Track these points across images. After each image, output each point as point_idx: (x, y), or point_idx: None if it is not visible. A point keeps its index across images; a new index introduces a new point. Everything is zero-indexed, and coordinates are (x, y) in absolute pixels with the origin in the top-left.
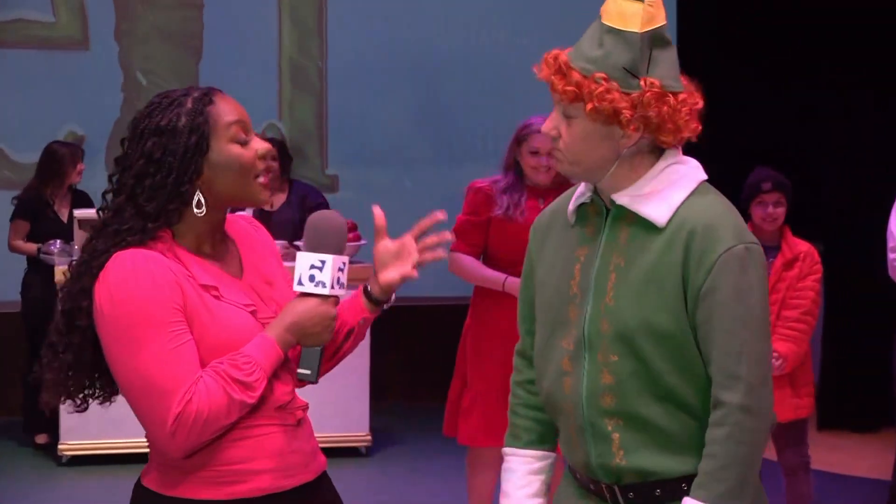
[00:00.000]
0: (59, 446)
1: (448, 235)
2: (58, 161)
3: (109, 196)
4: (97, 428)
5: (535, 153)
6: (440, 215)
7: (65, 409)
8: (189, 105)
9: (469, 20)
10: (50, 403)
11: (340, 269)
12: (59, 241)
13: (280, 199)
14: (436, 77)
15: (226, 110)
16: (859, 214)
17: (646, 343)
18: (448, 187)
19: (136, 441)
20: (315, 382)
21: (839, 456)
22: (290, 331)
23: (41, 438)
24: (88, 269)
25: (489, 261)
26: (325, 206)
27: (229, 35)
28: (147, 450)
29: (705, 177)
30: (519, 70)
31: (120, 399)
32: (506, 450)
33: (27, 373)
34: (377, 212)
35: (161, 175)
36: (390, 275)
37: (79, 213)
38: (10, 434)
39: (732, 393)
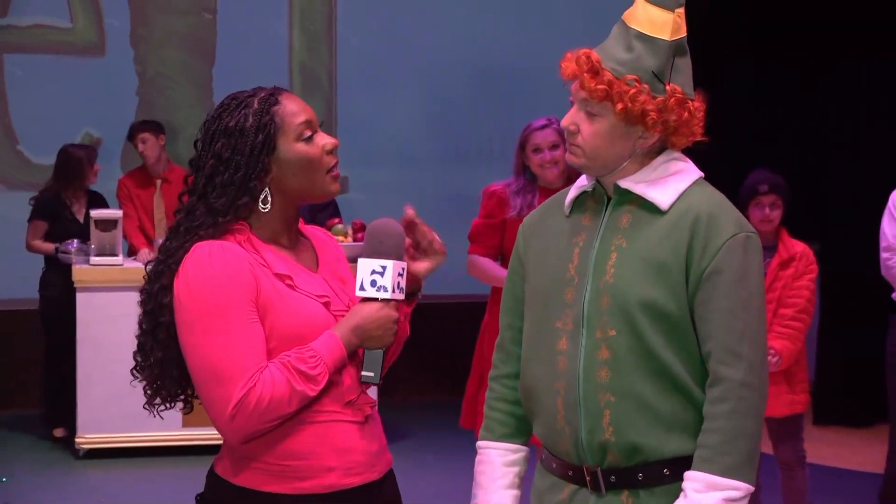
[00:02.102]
0: (77, 440)
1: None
2: (75, 163)
3: (185, 197)
4: (113, 422)
5: (537, 150)
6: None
7: (84, 403)
8: (255, 105)
9: (475, 25)
10: (152, 403)
11: (400, 275)
12: (76, 240)
13: None
14: (442, 80)
15: (291, 109)
16: (854, 215)
17: (644, 318)
18: (454, 188)
19: (151, 435)
20: (378, 385)
21: (834, 450)
22: (354, 332)
23: (59, 432)
24: (166, 267)
25: (505, 262)
26: (335, 206)
27: (242, 40)
28: (162, 444)
29: (702, 174)
30: (524, 73)
31: (135, 393)
32: (480, 443)
33: (45, 368)
34: (409, 211)
35: (230, 173)
36: (421, 265)
37: (95, 213)
38: (29, 427)
39: (735, 369)
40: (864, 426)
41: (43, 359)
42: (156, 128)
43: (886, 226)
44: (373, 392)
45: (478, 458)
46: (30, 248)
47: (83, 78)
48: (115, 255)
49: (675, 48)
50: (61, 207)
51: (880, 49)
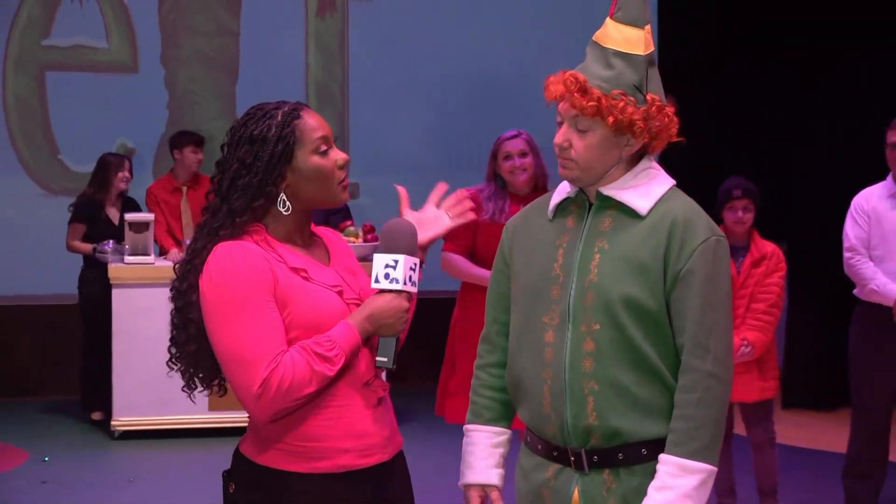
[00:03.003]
0: (112, 422)
1: (467, 202)
2: (105, 169)
3: (211, 196)
4: (146, 406)
5: (508, 158)
6: (443, 185)
7: (119, 389)
8: (279, 118)
9: (474, 44)
10: (190, 389)
11: (412, 269)
12: (111, 241)
13: None
14: (444, 95)
15: (311, 125)
16: (820, 218)
17: (625, 313)
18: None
19: (180, 417)
20: (392, 369)
21: (801, 432)
22: (368, 320)
23: (96, 415)
24: (192, 266)
25: (477, 260)
26: (347, 210)
27: (262, 59)
28: (190, 426)
29: (674, 181)
30: (517, 88)
31: (166, 380)
32: (468, 426)
33: (84, 357)
34: (401, 190)
35: (250, 177)
36: (425, 234)
37: (129, 216)
38: (68, 411)
39: (702, 361)
40: (828, 410)
41: (82, 349)
42: (202, 141)
43: (849, 228)
44: (385, 377)
45: (465, 439)
46: (70, 248)
47: (118, 93)
48: (148, 254)
49: (648, 61)
50: (98, 211)
51: (840, 67)
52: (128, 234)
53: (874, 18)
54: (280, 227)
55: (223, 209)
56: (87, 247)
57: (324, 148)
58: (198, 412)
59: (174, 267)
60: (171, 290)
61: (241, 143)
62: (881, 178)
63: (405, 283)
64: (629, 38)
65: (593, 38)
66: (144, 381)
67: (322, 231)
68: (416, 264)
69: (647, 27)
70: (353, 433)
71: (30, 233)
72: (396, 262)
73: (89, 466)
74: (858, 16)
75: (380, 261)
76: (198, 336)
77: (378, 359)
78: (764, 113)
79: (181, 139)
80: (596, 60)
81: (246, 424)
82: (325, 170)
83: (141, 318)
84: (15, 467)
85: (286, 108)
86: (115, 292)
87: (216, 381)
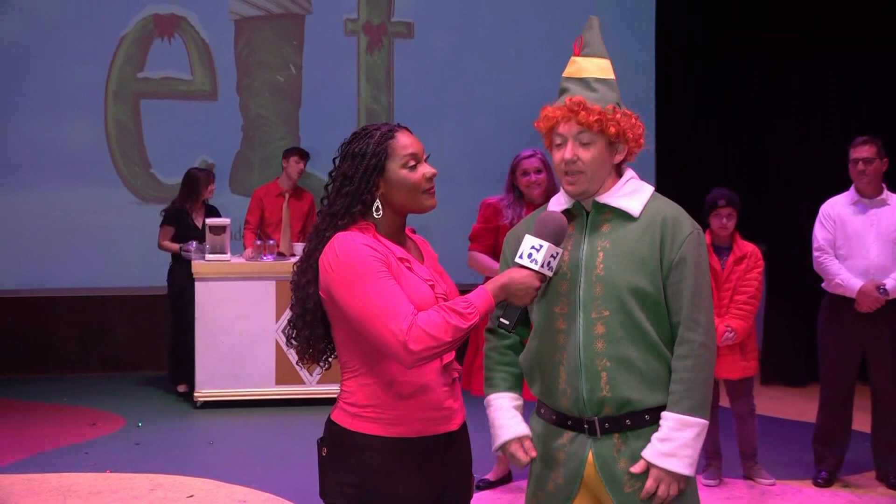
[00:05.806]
0: (195, 394)
1: None
2: (196, 182)
3: (325, 201)
4: (223, 379)
5: (525, 173)
6: None
7: (201, 366)
8: (376, 137)
9: (499, 76)
10: (303, 364)
11: (553, 257)
12: (195, 241)
13: None
14: (474, 119)
15: (401, 143)
16: (794, 222)
17: (632, 299)
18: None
19: (252, 390)
20: (510, 331)
21: (777, 404)
22: (503, 288)
23: (182, 387)
24: (309, 265)
25: (498, 258)
26: None
27: (321, 89)
28: (260, 397)
29: (654, 188)
30: (536, 110)
31: (240, 358)
32: (490, 397)
33: (172, 339)
34: None
35: (350, 187)
36: None
37: (210, 221)
38: (158, 384)
39: (696, 333)
40: (800, 386)
41: (170, 331)
42: (307, 155)
43: (818, 231)
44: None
45: (490, 408)
46: (160, 247)
47: (200, 117)
48: (225, 253)
49: (617, 82)
50: (184, 216)
51: (809, 84)
52: (208, 236)
53: (859, 25)
54: (384, 228)
55: (329, 214)
56: (175, 246)
57: (412, 163)
58: (266, 385)
59: (293, 266)
60: (291, 283)
61: (345, 158)
62: (845, 188)
63: (542, 267)
64: (602, 67)
65: (565, 74)
66: (222, 359)
67: (415, 237)
68: (557, 253)
69: (608, 58)
70: (430, 405)
71: (126, 234)
72: (542, 246)
73: (176, 431)
74: (843, 22)
75: (528, 241)
76: (312, 323)
77: (501, 319)
78: (757, 124)
79: (290, 151)
80: (580, 89)
81: (305, 396)
82: (411, 181)
83: (219, 306)
84: (114, 431)
85: (384, 129)
86: (197, 285)
87: (325, 357)
